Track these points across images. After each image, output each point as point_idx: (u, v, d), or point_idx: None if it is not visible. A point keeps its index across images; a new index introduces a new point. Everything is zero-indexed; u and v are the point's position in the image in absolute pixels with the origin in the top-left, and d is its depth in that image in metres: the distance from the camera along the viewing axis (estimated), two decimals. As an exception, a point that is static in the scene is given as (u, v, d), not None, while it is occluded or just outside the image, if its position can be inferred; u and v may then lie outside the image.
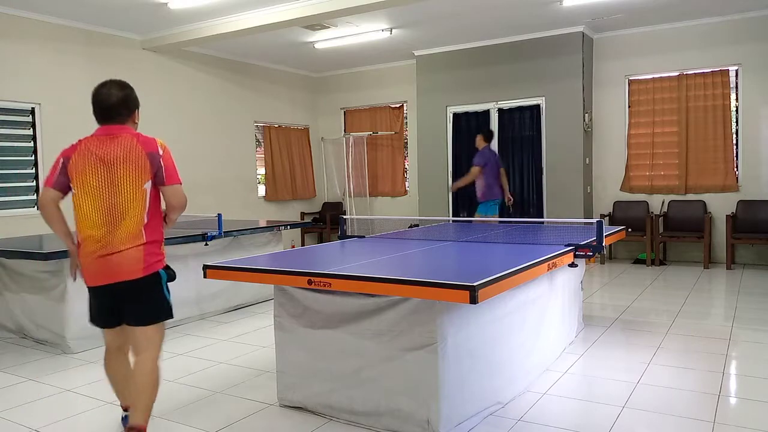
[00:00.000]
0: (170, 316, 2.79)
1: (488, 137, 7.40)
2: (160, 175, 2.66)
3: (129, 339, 2.78)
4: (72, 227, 2.74)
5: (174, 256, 4.92)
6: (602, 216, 8.24)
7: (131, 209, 2.63)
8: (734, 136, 7.70)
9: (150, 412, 2.67)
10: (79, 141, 2.71)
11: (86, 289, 2.76)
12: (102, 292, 2.69)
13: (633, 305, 5.57)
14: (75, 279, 2.84)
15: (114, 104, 2.68)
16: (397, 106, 10.10)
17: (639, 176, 8.28)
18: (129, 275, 2.61)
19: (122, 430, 3.01)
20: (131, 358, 2.80)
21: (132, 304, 2.68)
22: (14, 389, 3.73)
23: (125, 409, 2.98)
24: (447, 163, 9.05)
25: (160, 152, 2.67)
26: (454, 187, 7.74)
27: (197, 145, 8.56)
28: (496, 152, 7.66)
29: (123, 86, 2.75)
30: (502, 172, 7.48)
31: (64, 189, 2.70)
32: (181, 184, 2.73)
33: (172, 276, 2.79)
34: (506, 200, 7.57)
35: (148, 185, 2.65)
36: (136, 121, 2.81)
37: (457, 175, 8.96)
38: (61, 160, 2.70)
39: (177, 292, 4.42)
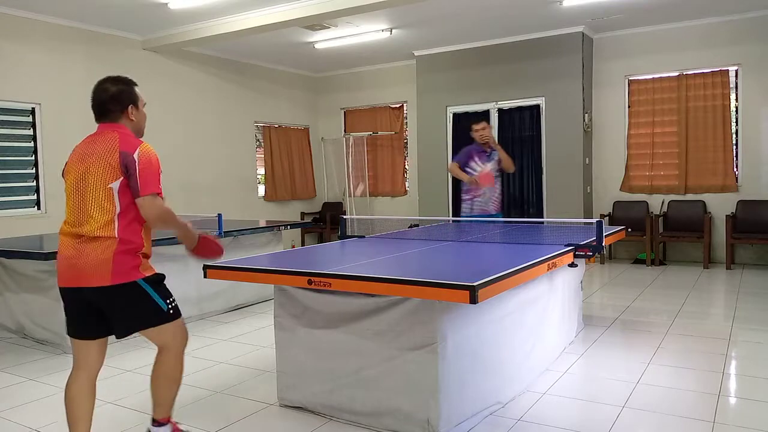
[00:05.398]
0: None
1: None
2: (134, 182, 2.41)
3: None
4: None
5: (174, 256, 4.92)
6: (602, 216, 8.23)
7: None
8: (734, 136, 7.70)
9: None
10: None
11: None
12: None
13: (633, 305, 5.57)
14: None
15: (104, 100, 2.52)
16: (397, 106, 10.09)
17: (639, 176, 8.28)
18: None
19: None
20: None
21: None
22: (14, 389, 3.73)
23: None
24: (447, 163, 9.04)
25: (136, 157, 2.41)
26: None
27: (197, 146, 8.56)
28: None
29: (117, 81, 2.56)
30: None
31: None
32: (158, 194, 2.45)
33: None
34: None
35: (116, 185, 2.41)
36: (132, 118, 2.57)
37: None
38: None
39: (178, 292, 4.43)
